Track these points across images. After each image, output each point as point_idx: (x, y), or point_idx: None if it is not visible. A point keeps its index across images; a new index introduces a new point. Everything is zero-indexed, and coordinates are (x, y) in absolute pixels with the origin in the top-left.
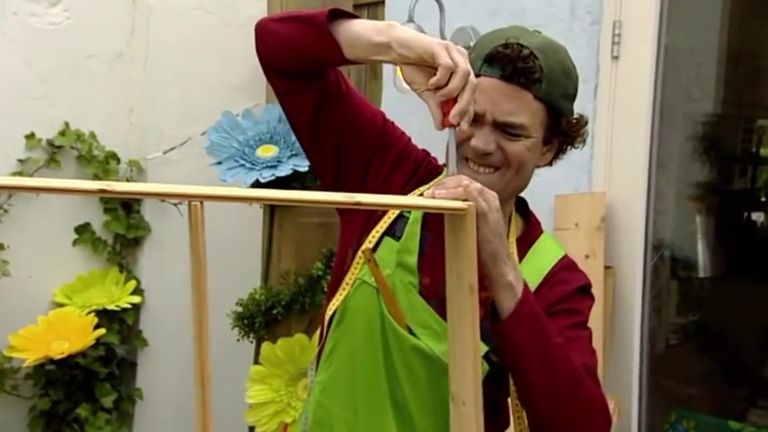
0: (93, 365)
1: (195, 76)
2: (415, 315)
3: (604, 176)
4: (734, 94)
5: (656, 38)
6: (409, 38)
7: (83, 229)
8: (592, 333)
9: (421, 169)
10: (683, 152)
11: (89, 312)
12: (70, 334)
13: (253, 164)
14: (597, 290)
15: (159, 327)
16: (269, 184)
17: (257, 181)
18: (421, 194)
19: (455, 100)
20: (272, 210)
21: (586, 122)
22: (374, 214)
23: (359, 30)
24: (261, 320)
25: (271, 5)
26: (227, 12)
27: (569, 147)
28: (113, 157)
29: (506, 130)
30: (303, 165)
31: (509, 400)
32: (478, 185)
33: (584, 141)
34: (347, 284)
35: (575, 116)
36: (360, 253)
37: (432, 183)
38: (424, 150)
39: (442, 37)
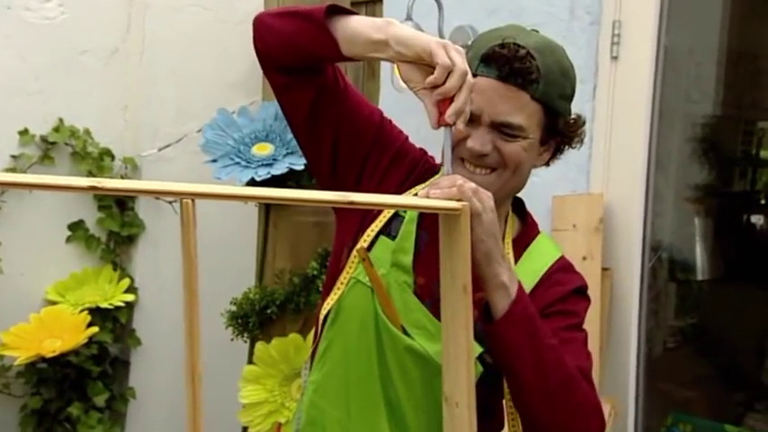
0: (85, 364)
1: (191, 73)
2: (410, 315)
3: (602, 177)
4: (734, 95)
5: (656, 38)
6: (407, 36)
7: (76, 227)
8: (587, 335)
9: (418, 168)
10: (682, 153)
11: (82, 310)
12: (63, 332)
13: (248, 162)
14: (594, 292)
15: (153, 325)
16: (264, 183)
17: (252, 179)
18: (416, 194)
19: (452, 99)
20: (268, 208)
21: (584, 122)
22: (370, 213)
23: (357, 26)
24: (255, 320)
25: (267, 2)
26: (224, 8)
27: (567, 147)
28: (108, 153)
29: (503, 130)
30: (299, 163)
31: (504, 402)
32: (473, 185)
33: (581, 141)
34: (342, 284)
35: (572, 116)
36: (355, 252)
37: (428, 182)
38: (421, 149)
39: (441, 36)
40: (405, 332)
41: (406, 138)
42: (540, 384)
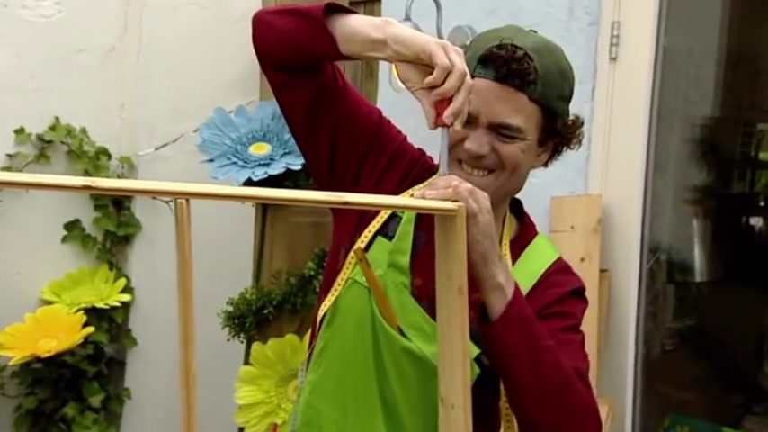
0: (80, 364)
1: (188, 72)
2: (407, 316)
3: (601, 178)
4: (733, 96)
5: (655, 39)
6: (406, 35)
7: (72, 226)
8: (584, 336)
9: (416, 169)
10: (681, 155)
11: (77, 310)
12: (58, 332)
13: (245, 162)
14: (592, 293)
15: (149, 325)
16: (261, 183)
17: (249, 179)
18: (412, 195)
19: (450, 100)
20: (265, 209)
21: (582, 123)
22: (367, 214)
23: (355, 25)
24: (251, 320)
25: (265, 0)
26: (222, 7)
27: (565, 148)
28: (104, 152)
29: (501, 132)
30: (296, 163)
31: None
32: (469, 186)
33: (579, 142)
34: (339, 284)
35: (570, 117)
36: (352, 253)
37: (426, 182)
38: (419, 150)
39: (439, 36)
40: (401, 333)
41: (405, 138)
42: (537, 386)
